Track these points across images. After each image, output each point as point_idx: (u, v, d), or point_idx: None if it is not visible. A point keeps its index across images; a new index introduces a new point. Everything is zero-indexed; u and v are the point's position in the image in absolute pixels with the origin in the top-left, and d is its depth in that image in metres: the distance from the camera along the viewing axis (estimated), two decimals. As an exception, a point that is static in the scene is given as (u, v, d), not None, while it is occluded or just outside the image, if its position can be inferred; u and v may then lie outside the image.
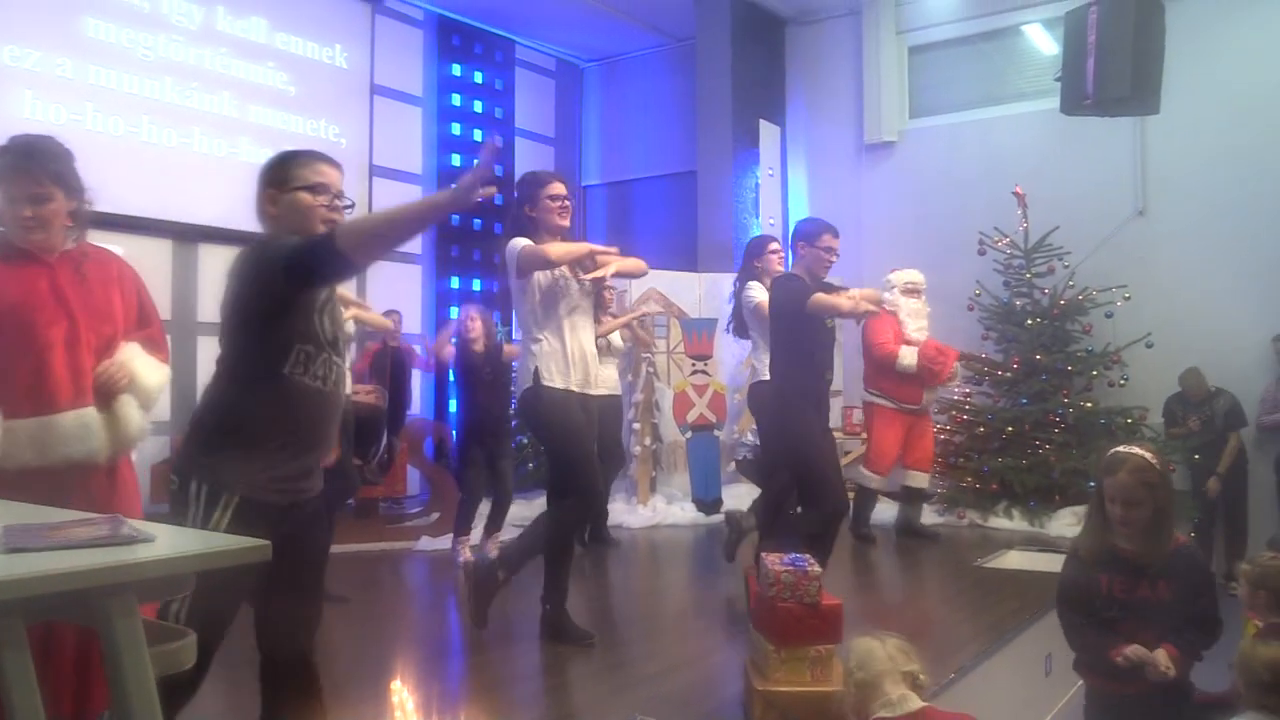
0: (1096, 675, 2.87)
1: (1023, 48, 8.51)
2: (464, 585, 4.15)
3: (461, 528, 5.77)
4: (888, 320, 6.40)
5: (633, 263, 4.06)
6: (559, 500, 3.91)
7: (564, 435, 3.84)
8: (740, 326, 5.39)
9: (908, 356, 6.35)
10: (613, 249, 3.92)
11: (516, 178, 4.49)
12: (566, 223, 3.86)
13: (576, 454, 3.84)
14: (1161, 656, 2.65)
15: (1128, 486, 2.72)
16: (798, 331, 4.24)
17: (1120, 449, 2.83)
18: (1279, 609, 2.81)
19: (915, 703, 2.35)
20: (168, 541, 1.67)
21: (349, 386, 3.54)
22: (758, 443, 5.79)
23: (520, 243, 3.77)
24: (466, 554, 5.65)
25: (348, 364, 2.56)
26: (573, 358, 3.84)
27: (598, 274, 3.82)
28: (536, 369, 3.83)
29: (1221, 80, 7.43)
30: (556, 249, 3.76)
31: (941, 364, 6.39)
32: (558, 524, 3.91)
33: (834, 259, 4.38)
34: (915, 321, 6.52)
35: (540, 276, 3.81)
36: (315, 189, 2.33)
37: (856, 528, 6.39)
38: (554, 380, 3.82)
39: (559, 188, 3.86)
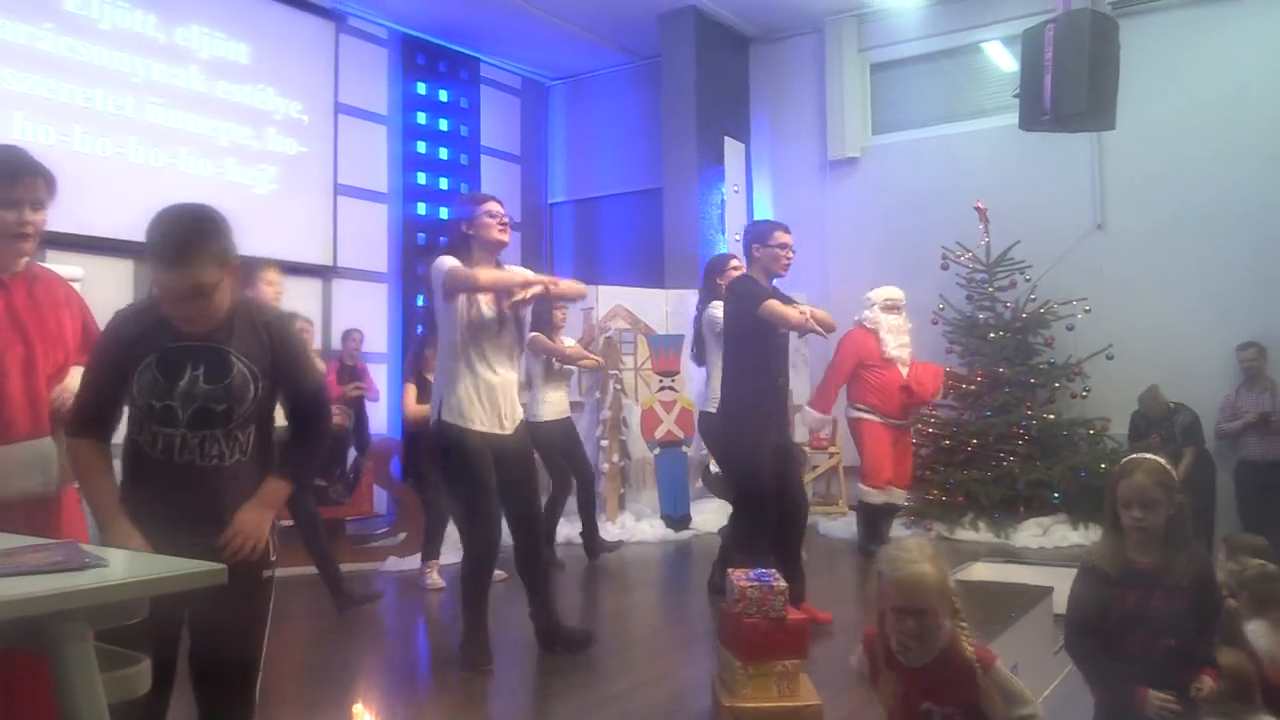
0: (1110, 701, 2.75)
1: (982, 65, 8.64)
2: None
3: (430, 550, 5.66)
4: (860, 338, 6.37)
5: (568, 285, 3.97)
6: (466, 532, 3.85)
7: (466, 477, 3.70)
8: (700, 353, 5.33)
9: (807, 418, 6.97)
10: (545, 278, 3.79)
11: None
12: (506, 238, 3.82)
13: (474, 494, 3.71)
14: (1207, 683, 2.56)
15: (1144, 488, 2.63)
16: (754, 334, 4.21)
17: (1132, 455, 2.76)
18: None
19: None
20: (121, 566, 1.64)
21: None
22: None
23: (448, 262, 3.66)
24: (434, 578, 5.53)
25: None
26: (484, 397, 3.68)
27: (517, 299, 3.69)
28: (443, 401, 3.70)
29: (1176, 96, 7.58)
30: (487, 274, 3.63)
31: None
32: (466, 553, 3.83)
33: (790, 255, 4.33)
34: (896, 338, 6.35)
35: (463, 304, 3.67)
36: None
37: (866, 547, 6.20)
38: (454, 417, 3.66)
39: (497, 206, 3.83)
